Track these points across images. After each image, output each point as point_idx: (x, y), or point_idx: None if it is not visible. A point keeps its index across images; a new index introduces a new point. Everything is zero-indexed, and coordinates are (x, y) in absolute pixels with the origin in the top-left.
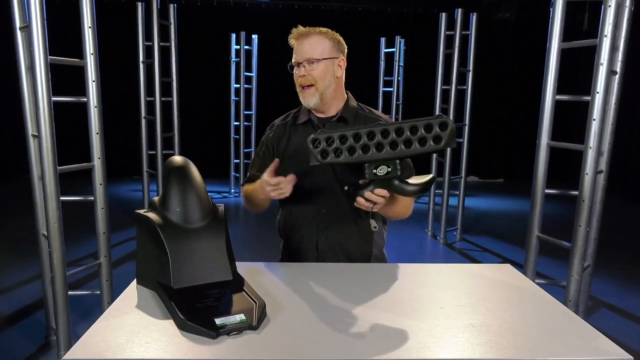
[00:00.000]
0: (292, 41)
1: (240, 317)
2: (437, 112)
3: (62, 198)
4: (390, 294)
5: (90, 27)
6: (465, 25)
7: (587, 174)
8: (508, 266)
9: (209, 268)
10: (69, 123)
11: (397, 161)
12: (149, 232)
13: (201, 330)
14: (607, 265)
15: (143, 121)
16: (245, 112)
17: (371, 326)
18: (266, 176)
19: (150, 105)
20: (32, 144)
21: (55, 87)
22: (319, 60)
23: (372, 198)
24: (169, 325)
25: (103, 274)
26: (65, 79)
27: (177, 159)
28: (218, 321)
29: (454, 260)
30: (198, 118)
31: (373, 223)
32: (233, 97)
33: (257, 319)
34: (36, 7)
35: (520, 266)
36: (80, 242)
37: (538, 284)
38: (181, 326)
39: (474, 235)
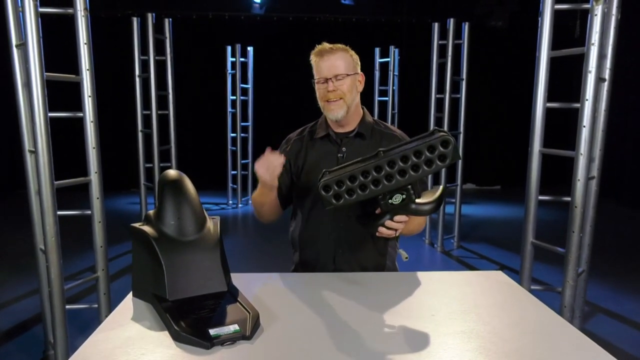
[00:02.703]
0: (314, 58)
1: (234, 327)
2: (432, 121)
3: (59, 212)
4: (383, 302)
5: (85, 44)
6: (458, 34)
7: (578, 180)
8: (500, 273)
9: (204, 280)
10: (66, 138)
11: (409, 186)
12: (145, 245)
13: (195, 340)
14: (603, 270)
15: (140, 134)
16: (242, 124)
17: (362, 334)
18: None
19: (147, 119)
20: (28, 159)
21: (52, 102)
22: (346, 76)
23: (394, 226)
24: (164, 336)
25: (101, 287)
26: (63, 94)
27: (172, 172)
28: (212, 332)
29: (451, 267)
30: (195, 130)
31: (404, 253)
32: (229, 109)
33: (250, 329)
34: (32, 25)
35: (516, 272)
36: (79, 255)
37: (534, 290)
38: (176, 337)
39: (471, 242)
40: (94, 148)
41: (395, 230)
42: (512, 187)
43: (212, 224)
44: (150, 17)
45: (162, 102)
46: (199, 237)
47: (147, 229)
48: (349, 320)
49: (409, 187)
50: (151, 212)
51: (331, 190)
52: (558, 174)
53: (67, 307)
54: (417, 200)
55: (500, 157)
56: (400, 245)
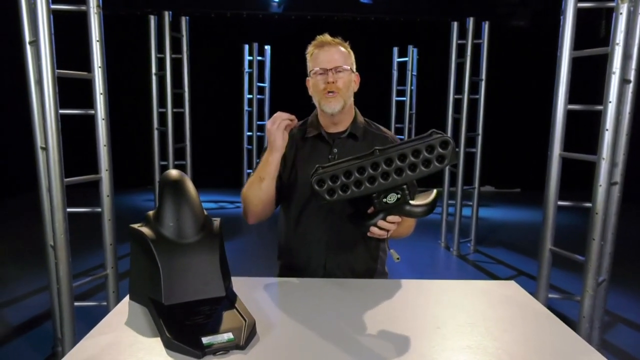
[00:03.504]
0: (314, 49)
1: (228, 336)
2: (450, 122)
3: (69, 210)
4: (388, 312)
5: (98, 41)
6: (478, 34)
7: (600, 185)
8: (513, 283)
9: (202, 284)
10: (79, 135)
11: (405, 186)
12: (142, 247)
13: (186, 349)
14: (625, 279)
15: (155, 132)
16: (258, 123)
17: (362, 346)
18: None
19: (163, 117)
20: (40, 156)
21: (67, 99)
22: (345, 70)
23: (386, 226)
24: (156, 343)
25: (110, 285)
26: (77, 91)
27: (173, 172)
28: (205, 340)
29: (467, 272)
30: (210, 129)
31: (395, 254)
32: (246, 107)
33: (245, 339)
34: (44, 22)
35: (535, 279)
36: (91, 252)
37: (551, 298)
38: (167, 345)
39: (488, 246)
40: (104, 145)
41: (387, 231)
42: (532, 190)
43: (213, 226)
44: (167, 15)
45: (178, 100)
46: (199, 239)
47: (145, 230)
48: (350, 331)
49: (405, 187)
50: (150, 212)
51: (325, 184)
52: (581, 177)
53: (76, 304)
54: (412, 202)
55: (521, 159)
56: (415, 248)
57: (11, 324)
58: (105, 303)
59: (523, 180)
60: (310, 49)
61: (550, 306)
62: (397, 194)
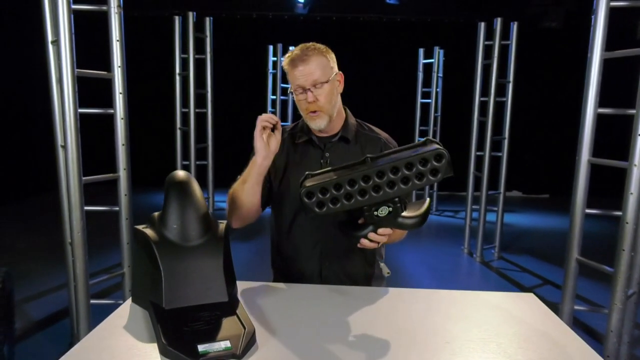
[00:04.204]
0: (287, 68)
1: (225, 344)
2: (475, 125)
3: (87, 208)
4: (394, 324)
5: (118, 41)
6: (506, 34)
7: (631, 193)
8: (531, 296)
9: (204, 288)
10: (101, 134)
11: (397, 199)
12: (145, 249)
13: (181, 357)
14: None
15: (178, 132)
16: (282, 124)
17: None
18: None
19: (186, 117)
20: (60, 154)
21: (90, 98)
22: (324, 83)
23: (377, 239)
24: (152, 349)
25: (126, 284)
26: (101, 90)
27: (179, 173)
28: (201, 348)
29: (490, 279)
30: (233, 129)
31: (385, 268)
32: (269, 108)
33: (242, 348)
34: (64, 21)
35: (561, 289)
36: (111, 251)
37: (577, 310)
38: (162, 351)
39: (514, 253)
40: (123, 145)
41: (378, 242)
42: (562, 196)
43: (218, 229)
44: (191, 16)
45: (201, 101)
46: (202, 242)
47: (148, 231)
48: (353, 342)
49: (396, 199)
50: (155, 214)
51: (314, 197)
52: (611, 184)
53: (93, 301)
54: (403, 214)
55: (550, 164)
56: (437, 253)
57: (33, 318)
58: (121, 302)
59: (552, 186)
60: (284, 66)
61: (577, 317)
62: (389, 207)
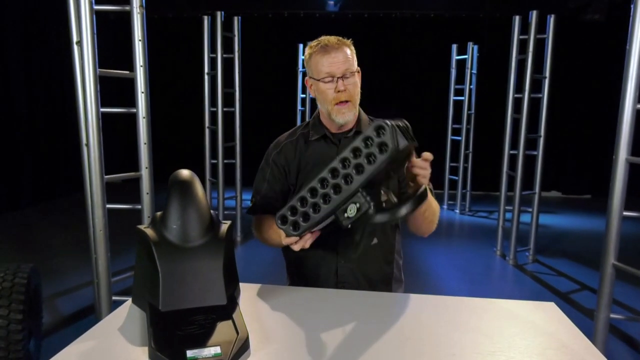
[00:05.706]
0: (317, 55)
1: (215, 350)
2: (509, 122)
3: (109, 206)
4: (400, 332)
5: (140, 40)
6: (542, 28)
7: None
8: (552, 305)
9: (202, 291)
10: (128, 133)
11: (359, 193)
12: (145, 249)
13: None
14: None
15: (206, 131)
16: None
17: None
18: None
19: (214, 116)
20: (85, 153)
21: (116, 97)
22: (354, 73)
23: (421, 164)
24: (142, 353)
25: None
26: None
27: (183, 172)
28: (189, 353)
29: (523, 283)
30: (261, 128)
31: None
32: (299, 107)
33: (232, 354)
34: (87, 22)
35: None
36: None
37: (613, 318)
38: (151, 356)
39: (550, 256)
40: (145, 144)
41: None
42: (604, 196)
43: (219, 230)
44: (219, 15)
45: (229, 100)
46: (203, 243)
47: (148, 231)
48: (352, 351)
49: (359, 194)
50: (158, 213)
51: (287, 220)
52: None
53: (115, 298)
54: (384, 205)
55: (592, 163)
56: (468, 255)
57: (61, 314)
58: None
59: (594, 186)
60: (312, 53)
61: (615, 326)
62: (356, 204)
